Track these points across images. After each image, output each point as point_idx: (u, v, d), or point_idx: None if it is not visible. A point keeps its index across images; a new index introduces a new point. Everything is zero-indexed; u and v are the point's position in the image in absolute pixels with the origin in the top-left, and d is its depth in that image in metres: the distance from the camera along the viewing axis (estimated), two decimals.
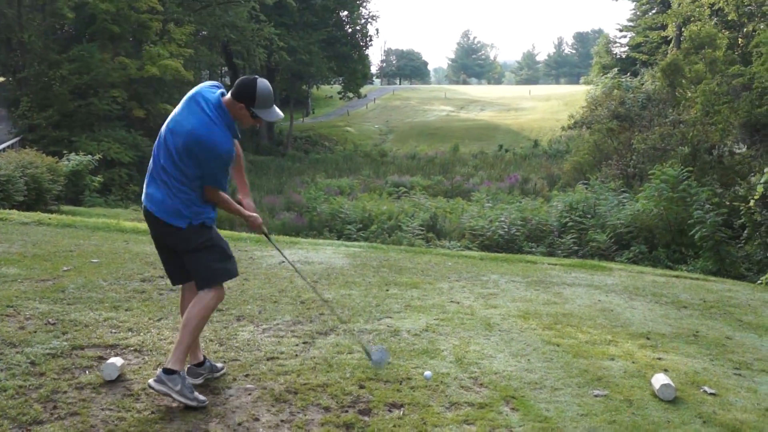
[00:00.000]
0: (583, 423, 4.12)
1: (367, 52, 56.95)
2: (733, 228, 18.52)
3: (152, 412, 4.01)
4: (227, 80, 51.07)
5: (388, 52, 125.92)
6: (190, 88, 4.34)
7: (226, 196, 4.26)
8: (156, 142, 4.26)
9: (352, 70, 52.85)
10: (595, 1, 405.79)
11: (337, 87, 59.93)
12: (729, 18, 41.71)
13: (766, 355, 5.68)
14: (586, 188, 25.60)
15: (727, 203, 19.21)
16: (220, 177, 4.15)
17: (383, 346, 4.73)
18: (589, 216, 20.77)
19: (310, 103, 69.45)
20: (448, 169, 42.86)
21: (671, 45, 49.65)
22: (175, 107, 4.30)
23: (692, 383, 4.84)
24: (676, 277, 9.29)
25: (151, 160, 4.29)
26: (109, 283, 6.61)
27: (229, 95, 4.18)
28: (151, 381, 4.14)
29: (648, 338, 5.89)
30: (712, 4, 41.46)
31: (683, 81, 36.94)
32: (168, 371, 4.11)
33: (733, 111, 23.83)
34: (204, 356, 4.62)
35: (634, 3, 68.90)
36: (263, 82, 4.16)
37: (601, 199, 22.38)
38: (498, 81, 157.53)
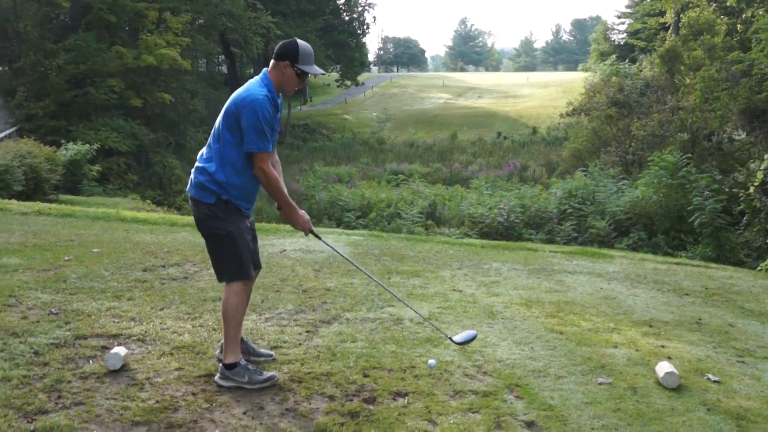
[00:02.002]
0: (588, 411, 4.13)
1: (364, 40, 56.82)
2: (732, 214, 18.54)
3: (156, 402, 4.00)
4: (223, 69, 50.92)
5: (385, 40, 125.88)
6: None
7: (275, 173, 4.24)
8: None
9: (349, 58, 52.78)
10: None
11: (335, 75, 59.74)
12: (728, 4, 41.65)
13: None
14: (585, 175, 25.58)
15: (727, 190, 19.23)
16: (258, 139, 4.09)
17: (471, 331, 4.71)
18: (589, 203, 20.76)
19: (308, 92, 69.26)
20: (446, 156, 42.84)
21: (669, 31, 49.47)
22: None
23: (696, 371, 4.85)
24: (678, 264, 9.28)
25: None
26: (110, 273, 6.60)
27: (272, 62, 4.24)
28: (216, 379, 4.28)
29: (651, 326, 5.90)
30: None
31: (682, 67, 36.90)
32: (228, 366, 4.22)
33: (732, 97, 23.80)
34: (242, 337, 4.63)
35: None
36: (303, 41, 4.25)
37: (601, 185, 22.37)
38: (496, 68, 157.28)
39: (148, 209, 17.82)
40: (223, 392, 4.18)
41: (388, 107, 62.27)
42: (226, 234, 4.25)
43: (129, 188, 26.85)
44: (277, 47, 4.27)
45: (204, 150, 4.34)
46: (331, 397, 4.19)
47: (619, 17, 72.21)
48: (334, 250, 4.84)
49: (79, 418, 3.75)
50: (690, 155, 21.54)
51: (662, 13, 51.56)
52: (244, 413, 3.96)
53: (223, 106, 4.28)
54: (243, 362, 4.25)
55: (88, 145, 20.29)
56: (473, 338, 4.60)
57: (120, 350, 4.50)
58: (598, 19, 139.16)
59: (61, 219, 9.44)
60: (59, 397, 3.99)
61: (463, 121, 54.18)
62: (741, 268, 10.25)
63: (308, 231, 4.45)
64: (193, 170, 4.34)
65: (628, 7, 70.08)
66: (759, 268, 14.21)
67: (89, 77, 29.35)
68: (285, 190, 4.31)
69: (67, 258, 7.02)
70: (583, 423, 3.97)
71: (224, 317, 4.28)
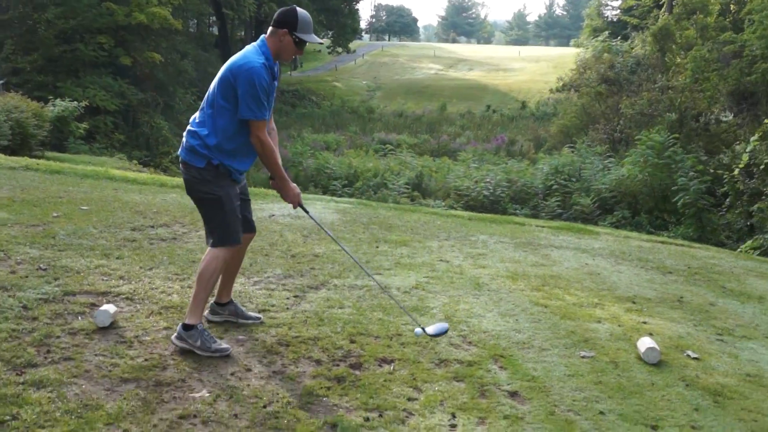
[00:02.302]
0: (570, 383, 4.21)
1: (357, 7, 56.29)
2: (715, 196, 18.71)
3: (145, 360, 4.05)
4: (214, 30, 50.41)
5: (378, 8, 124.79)
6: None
7: (271, 144, 4.25)
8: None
9: (342, 24, 52.41)
10: None
11: (327, 41, 59.31)
12: None
13: (748, 321, 5.79)
14: (572, 152, 25.68)
15: (712, 171, 19.38)
16: (256, 107, 4.09)
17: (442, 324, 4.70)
18: (574, 180, 20.90)
19: (298, 57, 68.77)
20: (434, 128, 42.76)
21: (663, 9, 49.34)
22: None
23: (676, 347, 4.94)
24: (662, 242, 9.37)
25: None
26: (99, 231, 6.60)
27: (270, 29, 4.24)
28: (173, 338, 4.27)
29: (634, 302, 5.98)
30: None
31: (673, 46, 36.89)
32: (186, 327, 4.23)
33: (722, 78, 23.85)
34: (231, 299, 4.72)
35: None
36: (302, 9, 4.25)
37: (587, 163, 22.50)
38: (488, 41, 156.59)
39: (135, 169, 17.71)
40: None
41: (378, 76, 61.89)
42: (215, 198, 4.26)
43: (115, 148, 26.64)
44: (276, 14, 4.25)
45: (197, 114, 4.34)
46: (318, 362, 4.25)
47: None
48: (319, 225, 4.83)
49: (68, 372, 3.80)
50: (677, 135, 21.63)
51: None
52: (232, 374, 4.01)
53: (213, 68, 4.30)
54: (200, 326, 4.25)
55: (75, 102, 20.09)
56: (445, 332, 4.57)
57: (109, 307, 4.53)
58: None
59: (49, 175, 9.39)
60: (48, 351, 4.02)
61: (453, 93, 54.01)
62: (723, 249, 10.36)
63: (297, 204, 4.47)
64: (185, 133, 4.34)
65: None
66: (739, 249, 14.39)
67: (78, 33, 28.96)
68: (280, 160, 4.32)
69: (55, 214, 7.00)
70: (564, 394, 4.05)
71: (199, 278, 4.26)
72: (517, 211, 17.97)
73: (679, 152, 19.52)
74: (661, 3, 50.64)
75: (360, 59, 71.04)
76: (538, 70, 64.33)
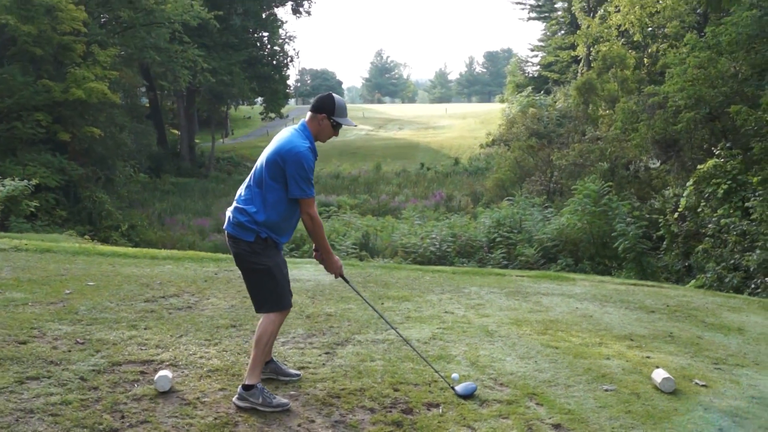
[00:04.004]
0: (603, 413, 4.64)
1: (288, 73, 57.13)
2: (651, 239, 19.64)
3: (215, 419, 4.32)
4: (144, 101, 50.40)
5: (302, 72, 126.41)
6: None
7: (320, 220, 4.70)
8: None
9: (273, 90, 52.97)
10: (504, 22, 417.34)
11: (258, 108, 59.84)
12: (635, 39, 43.70)
13: (735, 351, 6.36)
14: (511, 204, 26.50)
15: (647, 216, 20.34)
16: (306, 186, 4.52)
17: (471, 384, 5.02)
18: (516, 231, 21.58)
19: (229, 124, 69.10)
20: (372, 187, 43.43)
21: (581, 64, 51.60)
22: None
23: (683, 377, 5.44)
24: (634, 285, 10.00)
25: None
26: (115, 305, 6.81)
27: (313, 114, 4.67)
28: (234, 399, 4.57)
29: (632, 339, 6.50)
30: (619, 26, 43.39)
31: (596, 99, 38.58)
32: (247, 387, 4.54)
33: (650, 128, 25.14)
34: (272, 358, 5.02)
35: (544, 24, 71.46)
36: (337, 96, 4.73)
37: (527, 214, 23.25)
38: (411, 99, 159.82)
39: (88, 244, 17.64)
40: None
41: None
42: (266, 269, 4.64)
43: (58, 224, 26.28)
44: (314, 100, 4.73)
45: (242, 191, 4.73)
46: (372, 410, 4.58)
47: (532, 50, 74.77)
48: (357, 293, 5.31)
49: None
50: (611, 183, 22.67)
51: (574, 47, 53.71)
52: (299, 425, 4.32)
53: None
54: (260, 386, 4.59)
55: (26, 180, 19.97)
56: (474, 391, 4.89)
57: (167, 372, 4.79)
58: (510, 51, 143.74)
59: (40, 254, 9.49)
60: (122, 417, 4.26)
61: (386, 152, 55.01)
62: (691, 288, 11.05)
63: (339, 275, 4.96)
64: (231, 210, 4.73)
65: (540, 40, 72.66)
66: (689, 285, 15.19)
67: (15, 111, 28.77)
68: (325, 235, 4.74)
69: (68, 291, 7.17)
70: (602, 423, 4.48)
71: (257, 342, 4.62)
72: (464, 265, 18.47)
73: (614, 199, 20.48)
74: (579, 58, 52.90)
75: (290, 123, 71.72)
76: (466, 126, 66.08)
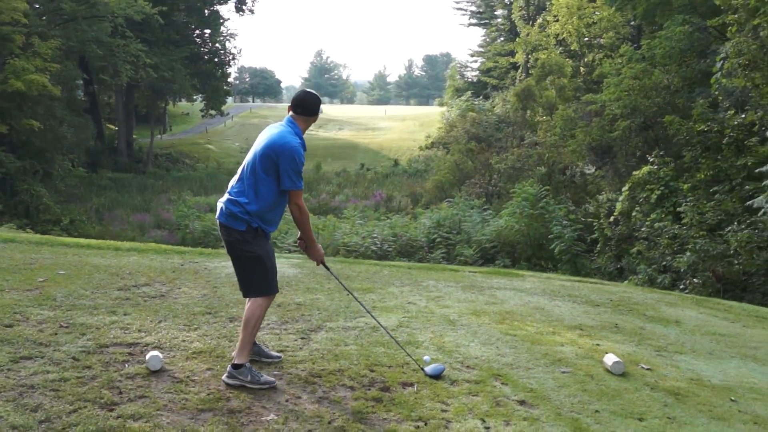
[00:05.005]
0: (563, 392, 5.12)
1: (229, 71, 56.88)
2: (585, 242, 20.45)
3: (208, 394, 4.64)
4: (79, 94, 49.64)
5: (241, 70, 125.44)
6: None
7: (307, 210, 5.03)
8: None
9: (214, 87, 52.73)
10: (444, 26, 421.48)
11: (198, 104, 59.44)
12: (572, 48, 44.89)
13: (674, 340, 6.96)
14: (451, 206, 27.12)
15: (583, 219, 21.16)
16: (296, 179, 4.86)
17: (439, 365, 5.44)
18: (456, 232, 22.16)
19: (167, 120, 68.42)
20: (312, 187, 43.61)
21: (520, 71, 52.76)
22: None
23: (630, 362, 5.97)
24: (579, 281, 10.61)
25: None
26: (90, 292, 7.01)
27: (299, 115, 5.02)
28: (223, 378, 4.89)
29: (581, 329, 7.03)
30: (557, 35, 44.53)
31: (535, 105, 39.56)
32: (236, 366, 4.87)
33: (587, 135, 26.03)
34: (255, 341, 5.31)
35: (485, 30, 72.72)
36: (311, 91, 5.14)
37: (466, 216, 23.89)
38: (350, 100, 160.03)
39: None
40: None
41: (250, 137, 62.36)
42: (256, 256, 4.98)
43: None
44: (304, 102, 5.04)
45: (234, 183, 5.06)
46: (352, 388, 4.96)
47: (472, 55, 75.96)
48: (339, 281, 5.81)
49: (151, 406, 4.36)
50: (548, 187, 23.46)
51: (513, 54, 54.87)
52: (287, 401, 4.67)
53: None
54: (248, 365, 4.93)
55: None
56: (442, 372, 5.33)
57: (158, 353, 5.08)
58: (449, 56, 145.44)
59: (4, 244, 9.57)
60: (120, 392, 4.54)
61: (326, 153, 55.29)
62: (631, 285, 11.72)
63: (321, 262, 5.32)
64: (223, 201, 5.04)
65: (480, 46, 73.92)
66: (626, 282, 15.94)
67: None
68: (310, 225, 5.11)
69: (41, 279, 7.34)
70: (562, 400, 4.96)
71: (246, 325, 4.96)
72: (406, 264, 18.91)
73: (551, 203, 21.27)
74: (517, 65, 54.06)
75: (230, 121, 71.51)
76: (405, 128, 66.84)
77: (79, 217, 29.81)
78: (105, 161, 45.44)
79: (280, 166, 4.83)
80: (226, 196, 5.05)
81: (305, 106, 5.02)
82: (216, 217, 5.16)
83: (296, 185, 4.88)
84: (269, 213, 4.97)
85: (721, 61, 17.69)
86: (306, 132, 5.09)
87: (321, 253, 5.28)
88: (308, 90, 5.15)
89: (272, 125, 5.14)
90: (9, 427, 3.92)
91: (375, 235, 21.62)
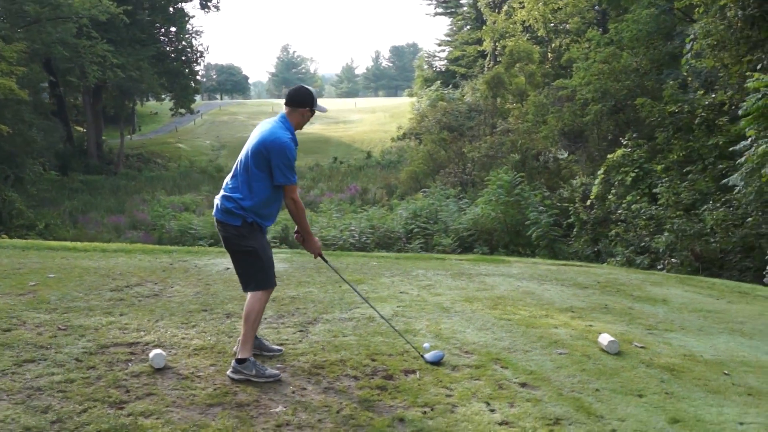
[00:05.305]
0: (562, 372, 5.22)
1: (197, 69, 56.49)
2: (561, 227, 20.66)
3: (215, 389, 4.68)
4: (45, 96, 49.03)
5: (208, 67, 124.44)
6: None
7: (302, 204, 5.10)
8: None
9: (183, 85, 52.36)
10: (409, 16, 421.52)
11: (167, 103, 58.99)
12: (539, 34, 45.16)
13: (663, 319, 7.11)
14: (426, 196, 27.23)
15: (558, 204, 21.37)
16: (290, 174, 4.92)
17: (439, 352, 5.51)
18: (433, 222, 22.28)
19: (136, 120, 67.83)
20: None
21: (488, 59, 52.95)
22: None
23: (623, 341, 6.09)
24: (564, 265, 10.76)
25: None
26: (84, 294, 6.99)
27: (292, 108, 5.08)
28: (228, 372, 4.93)
29: (573, 311, 7.15)
30: (524, 21, 44.79)
31: (505, 92, 39.75)
32: (240, 361, 4.92)
33: (559, 120, 26.25)
34: (256, 335, 5.31)
35: (451, 19, 72.89)
36: (307, 86, 5.18)
37: (442, 205, 24.02)
38: (319, 94, 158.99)
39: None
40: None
41: (220, 135, 62.31)
42: (253, 250, 5.03)
43: None
44: (295, 96, 5.11)
45: (229, 180, 5.10)
46: (355, 377, 5.03)
47: (439, 45, 76.05)
48: (337, 272, 5.88)
49: (161, 403, 4.39)
50: (522, 174, 23.64)
51: (480, 42, 55.02)
52: (293, 392, 4.73)
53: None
54: (252, 359, 4.99)
55: None
56: (441, 358, 5.41)
57: (161, 351, 5.11)
58: (415, 46, 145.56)
59: None
60: (127, 391, 4.57)
61: (299, 147, 54.90)
62: (615, 267, 11.90)
63: (318, 255, 5.37)
64: (219, 198, 5.09)
65: (447, 35, 74.05)
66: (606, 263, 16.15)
67: None
68: (306, 218, 5.16)
69: (32, 283, 7.31)
70: (562, 381, 5.06)
71: (246, 319, 5.01)
72: (385, 256, 18.98)
73: (526, 189, 21.45)
74: (485, 53, 54.24)
75: (199, 119, 71.03)
76: (376, 120, 66.90)
77: (54, 221, 29.49)
78: (75, 164, 44.99)
79: (272, 162, 4.88)
80: (222, 192, 5.09)
81: (294, 98, 5.08)
82: (213, 213, 5.20)
83: (289, 180, 4.94)
84: (264, 208, 5.02)
85: (691, 43, 17.94)
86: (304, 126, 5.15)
87: (318, 246, 5.33)
88: (302, 85, 5.21)
89: (265, 121, 5.19)
90: (22, 428, 3.94)
91: (353, 228, 21.67)
